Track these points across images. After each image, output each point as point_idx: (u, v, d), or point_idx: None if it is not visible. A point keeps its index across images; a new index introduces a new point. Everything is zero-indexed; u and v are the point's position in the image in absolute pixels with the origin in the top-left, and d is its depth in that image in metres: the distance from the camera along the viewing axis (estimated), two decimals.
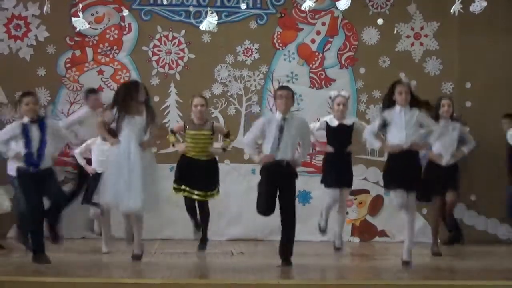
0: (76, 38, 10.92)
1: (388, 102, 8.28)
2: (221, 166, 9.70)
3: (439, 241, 9.50)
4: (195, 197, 9.25)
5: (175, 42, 11.09)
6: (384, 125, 8.25)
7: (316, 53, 11.16)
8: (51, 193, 8.12)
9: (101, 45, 11.02)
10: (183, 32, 11.08)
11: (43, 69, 10.92)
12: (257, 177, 8.28)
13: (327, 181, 9.42)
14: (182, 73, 11.07)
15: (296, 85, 10.87)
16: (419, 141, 8.24)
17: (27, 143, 8.02)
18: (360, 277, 8.04)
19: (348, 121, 9.45)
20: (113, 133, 8.25)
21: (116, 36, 11.04)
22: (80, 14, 9.51)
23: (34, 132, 8.06)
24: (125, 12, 10.51)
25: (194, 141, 9.32)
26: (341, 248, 9.53)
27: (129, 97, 8.19)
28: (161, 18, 11.09)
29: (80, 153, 9.31)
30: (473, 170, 10.66)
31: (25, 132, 8.04)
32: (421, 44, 11.17)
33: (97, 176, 8.69)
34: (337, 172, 9.35)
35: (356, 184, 10.09)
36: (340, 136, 9.38)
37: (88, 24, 10.14)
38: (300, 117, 8.47)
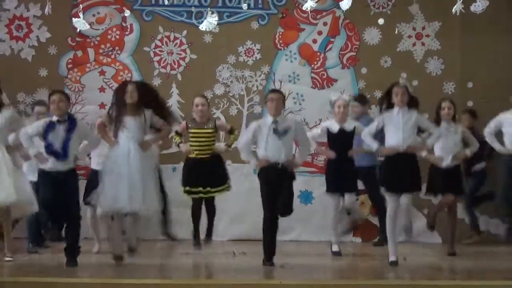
0: (78, 39, 10.93)
1: (387, 104, 8.32)
2: None
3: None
4: (211, 194, 9.27)
5: (177, 43, 11.10)
6: (381, 127, 8.28)
7: (318, 53, 11.14)
8: (67, 201, 7.88)
9: (102, 46, 11.02)
10: (184, 32, 11.08)
11: (45, 70, 10.92)
12: None
13: (328, 186, 9.36)
14: (184, 74, 11.08)
15: (297, 85, 10.90)
16: (416, 143, 8.25)
17: (48, 141, 7.91)
18: (361, 277, 8.05)
19: (349, 126, 9.33)
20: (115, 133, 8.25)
21: (117, 36, 11.05)
22: (81, 14, 9.51)
23: (60, 131, 7.97)
24: (127, 13, 10.51)
25: (197, 140, 9.34)
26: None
27: (119, 100, 8.18)
28: (162, 19, 11.09)
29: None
30: None
31: (48, 130, 7.95)
32: (423, 44, 11.14)
33: (95, 177, 8.61)
34: (338, 177, 9.25)
35: (358, 184, 10.05)
36: (342, 142, 9.27)
37: (90, 24, 10.16)
38: (291, 117, 8.47)
